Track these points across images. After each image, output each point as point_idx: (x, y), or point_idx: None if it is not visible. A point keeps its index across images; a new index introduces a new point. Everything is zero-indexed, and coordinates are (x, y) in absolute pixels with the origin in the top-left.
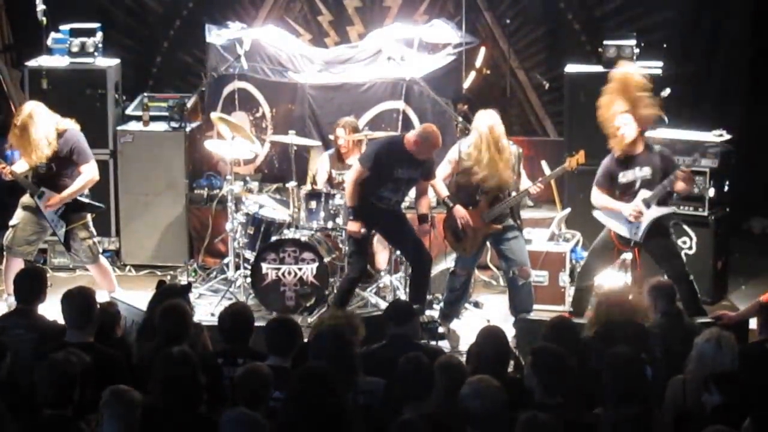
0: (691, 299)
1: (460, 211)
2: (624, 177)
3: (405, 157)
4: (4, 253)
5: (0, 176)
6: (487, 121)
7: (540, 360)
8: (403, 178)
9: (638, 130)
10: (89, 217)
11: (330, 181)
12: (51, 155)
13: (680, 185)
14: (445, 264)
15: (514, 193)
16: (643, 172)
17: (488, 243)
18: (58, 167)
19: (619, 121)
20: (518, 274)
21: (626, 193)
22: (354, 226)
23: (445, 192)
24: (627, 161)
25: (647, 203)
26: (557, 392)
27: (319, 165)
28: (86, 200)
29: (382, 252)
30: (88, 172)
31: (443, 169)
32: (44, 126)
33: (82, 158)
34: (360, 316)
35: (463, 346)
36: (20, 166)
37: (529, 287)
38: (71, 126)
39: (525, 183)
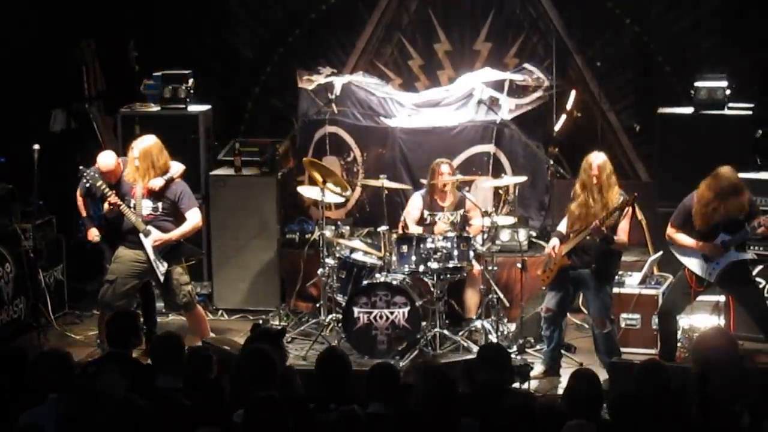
0: None
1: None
2: None
3: None
4: (101, 308)
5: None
6: (587, 159)
7: (614, 405)
8: None
9: None
10: (184, 262)
11: (421, 221)
12: (158, 196)
13: (763, 230)
14: (536, 309)
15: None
16: None
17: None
18: (164, 210)
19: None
20: (593, 324)
21: (707, 234)
22: None
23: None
24: None
25: (726, 246)
26: None
27: (411, 204)
28: (189, 245)
29: (472, 296)
30: (194, 218)
31: None
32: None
33: (190, 203)
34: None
35: (557, 389)
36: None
37: (611, 333)
38: (180, 171)
39: None
